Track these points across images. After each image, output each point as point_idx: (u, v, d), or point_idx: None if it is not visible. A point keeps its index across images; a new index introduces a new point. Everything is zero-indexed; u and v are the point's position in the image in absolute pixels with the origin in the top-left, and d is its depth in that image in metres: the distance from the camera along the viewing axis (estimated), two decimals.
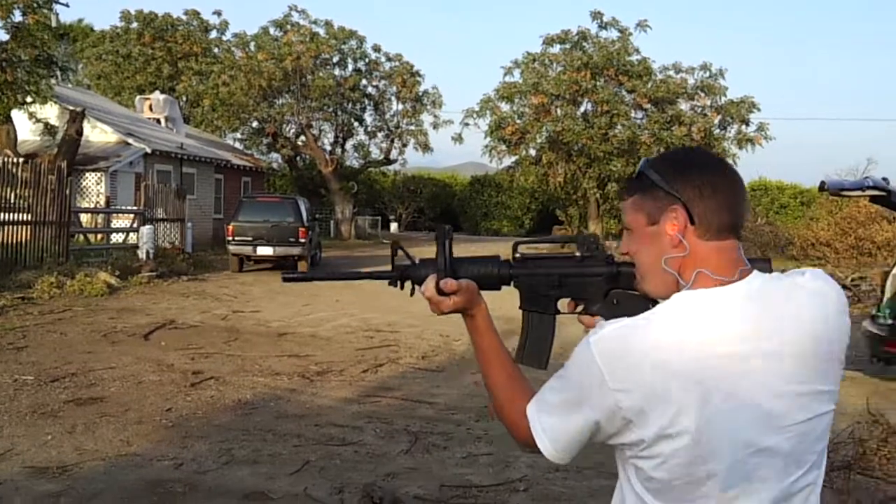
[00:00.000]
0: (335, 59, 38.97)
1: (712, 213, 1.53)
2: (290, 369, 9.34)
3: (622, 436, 1.48)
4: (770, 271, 1.60)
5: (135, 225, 21.22)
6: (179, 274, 19.12)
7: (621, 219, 1.72)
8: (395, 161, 42.55)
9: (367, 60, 39.93)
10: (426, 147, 40.50)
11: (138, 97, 35.04)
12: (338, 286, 18.23)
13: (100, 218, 22.20)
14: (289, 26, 38.03)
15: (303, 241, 21.28)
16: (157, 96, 33.57)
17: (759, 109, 28.52)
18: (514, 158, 30.82)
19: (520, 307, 1.89)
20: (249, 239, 21.05)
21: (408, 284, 1.91)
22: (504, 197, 51.96)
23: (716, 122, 28.55)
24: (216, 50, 42.90)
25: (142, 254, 19.79)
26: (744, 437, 1.44)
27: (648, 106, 28.53)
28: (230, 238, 21.23)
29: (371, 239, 40.59)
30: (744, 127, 28.52)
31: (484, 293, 1.85)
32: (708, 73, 28.86)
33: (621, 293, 1.81)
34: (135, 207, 22.25)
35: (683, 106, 28.89)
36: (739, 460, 1.45)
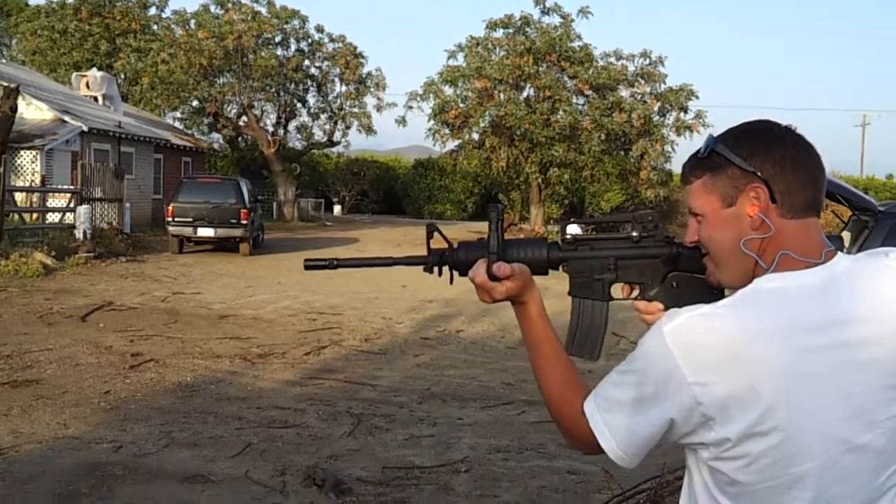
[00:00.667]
0: (277, 39, 38.48)
1: (795, 190, 1.40)
2: (231, 352, 9.29)
3: (699, 434, 1.35)
4: (842, 248, 1.49)
5: (71, 205, 20.78)
6: (118, 255, 18.82)
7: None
8: (338, 143, 42.24)
9: (310, 41, 39.51)
10: (370, 129, 40.28)
11: (75, 74, 34.23)
12: (283, 268, 18.14)
13: (35, 197, 21.68)
14: (230, 4, 37.41)
15: (244, 222, 21.09)
16: (95, 73, 32.85)
17: (697, 97, 28.93)
18: (457, 142, 30.82)
19: (569, 293, 1.73)
20: (190, 220, 20.79)
21: (445, 271, 1.74)
22: (447, 181, 51.94)
23: (655, 109, 28.87)
24: (155, 27, 42.03)
25: (79, 234, 19.41)
26: (837, 433, 1.32)
27: (590, 92, 28.73)
28: (170, 219, 20.94)
29: (314, 221, 40.30)
30: (682, 114, 28.90)
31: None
32: (648, 61, 29.17)
33: (681, 276, 1.66)
34: (71, 187, 21.78)
35: (624, 93, 29.15)
36: (832, 459, 1.32)
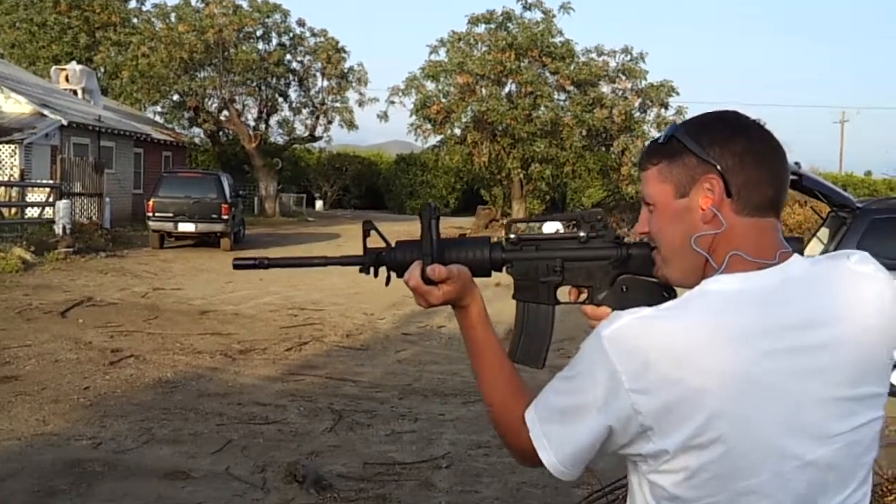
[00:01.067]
0: (259, 33, 38.35)
1: (753, 186, 1.30)
2: (212, 347, 9.27)
3: (637, 445, 1.25)
4: (801, 252, 1.38)
5: (51, 199, 20.65)
6: (97, 250, 18.71)
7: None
8: (320, 138, 42.15)
9: (291, 35, 39.39)
10: (351, 124, 40.20)
11: (54, 67, 33.92)
12: None
13: (14, 191, 21.51)
14: None
15: (225, 217, 21.02)
16: (74, 67, 32.58)
17: (678, 93, 29.06)
18: (439, 138, 30.80)
19: (513, 297, 1.63)
20: (170, 215, 20.72)
21: (382, 272, 1.64)
22: (429, 176, 51.98)
23: (636, 105, 28.95)
24: (135, 20, 41.71)
25: (58, 229, 19.28)
26: (786, 447, 1.22)
27: (571, 88, 28.75)
28: (150, 214, 20.85)
29: (296, 216, 40.22)
30: (663, 110, 28.98)
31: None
32: (629, 57, 29.21)
33: (631, 279, 1.57)
34: (51, 181, 21.62)
35: (605, 88, 29.19)
36: (780, 475, 1.22)
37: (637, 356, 1.21)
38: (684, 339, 1.21)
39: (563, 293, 1.62)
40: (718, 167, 1.31)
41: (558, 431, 1.30)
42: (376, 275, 1.65)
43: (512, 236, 1.62)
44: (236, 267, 1.70)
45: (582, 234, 1.58)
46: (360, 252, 1.65)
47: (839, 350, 1.25)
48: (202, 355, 8.87)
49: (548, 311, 1.63)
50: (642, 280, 1.55)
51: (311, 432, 6.39)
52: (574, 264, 1.59)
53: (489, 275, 1.60)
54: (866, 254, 1.34)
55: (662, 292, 1.39)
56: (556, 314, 1.63)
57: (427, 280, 1.52)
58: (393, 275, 1.64)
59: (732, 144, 1.32)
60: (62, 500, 4.90)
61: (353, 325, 11.17)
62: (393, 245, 1.63)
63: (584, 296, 1.61)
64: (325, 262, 1.69)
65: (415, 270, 1.54)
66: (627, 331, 1.24)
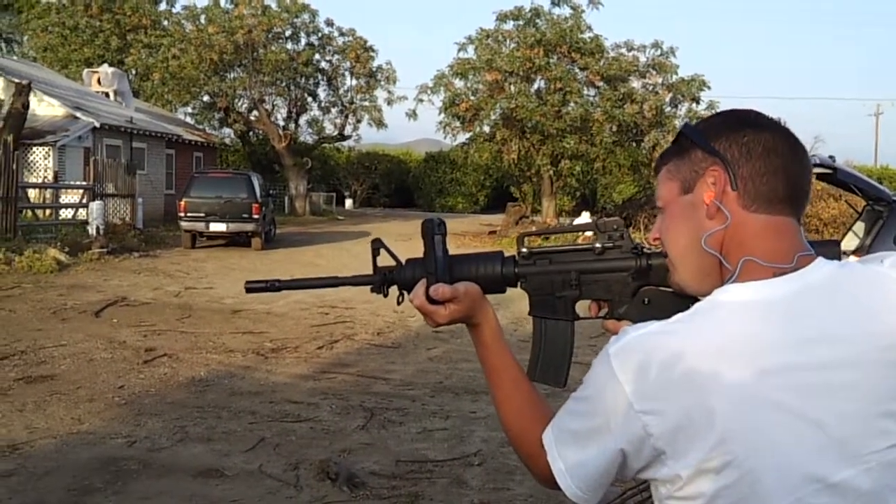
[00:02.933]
0: (288, 33, 38.52)
1: (760, 178, 1.22)
2: (244, 346, 9.31)
3: (653, 469, 1.18)
4: (839, 256, 1.28)
5: (84, 201, 20.88)
6: (130, 250, 18.89)
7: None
8: (349, 137, 42.29)
9: (320, 35, 39.53)
10: (380, 123, 40.29)
11: (86, 70, 34.32)
12: (294, 262, 18.18)
13: (48, 193, 21.77)
14: None
15: (256, 217, 21.14)
16: (106, 69, 32.93)
17: (709, 88, 28.77)
18: (468, 135, 30.75)
19: (530, 313, 1.56)
20: (202, 215, 20.86)
21: (394, 291, 1.59)
22: (458, 174, 51.97)
23: (667, 100, 28.74)
24: (165, 22, 42.06)
25: (92, 230, 19.49)
26: (807, 470, 1.12)
27: (601, 83, 28.59)
28: (182, 214, 21.00)
29: (326, 215, 40.37)
30: (694, 105, 28.74)
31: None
32: (659, 52, 28.99)
33: (654, 291, 1.48)
34: (84, 183, 21.87)
35: (635, 84, 29.00)
36: (802, 501, 1.13)
37: (644, 375, 1.15)
38: (692, 355, 1.14)
39: (582, 308, 1.54)
40: (722, 157, 1.23)
41: (574, 455, 1.24)
42: (386, 294, 1.59)
43: (524, 250, 1.54)
44: (249, 290, 1.64)
45: (597, 245, 1.50)
46: (372, 271, 1.60)
47: (868, 364, 1.14)
48: (234, 354, 8.92)
49: (566, 327, 1.55)
50: (666, 292, 1.46)
51: (344, 430, 6.40)
52: (591, 277, 1.51)
53: (503, 290, 1.54)
54: None
55: (688, 304, 1.27)
56: (574, 330, 1.56)
57: (431, 300, 1.46)
58: (404, 294, 1.58)
59: (739, 136, 1.24)
60: (98, 497, 4.94)
61: (383, 322, 11.18)
62: (403, 263, 1.58)
63: (604, 310, 1.53)
64: (337, 282, 1.64)
65: (419, 290, 1.47)
66: (634, 347, 1.18)
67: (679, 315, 1.20)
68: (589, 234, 8.47)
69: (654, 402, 1.14)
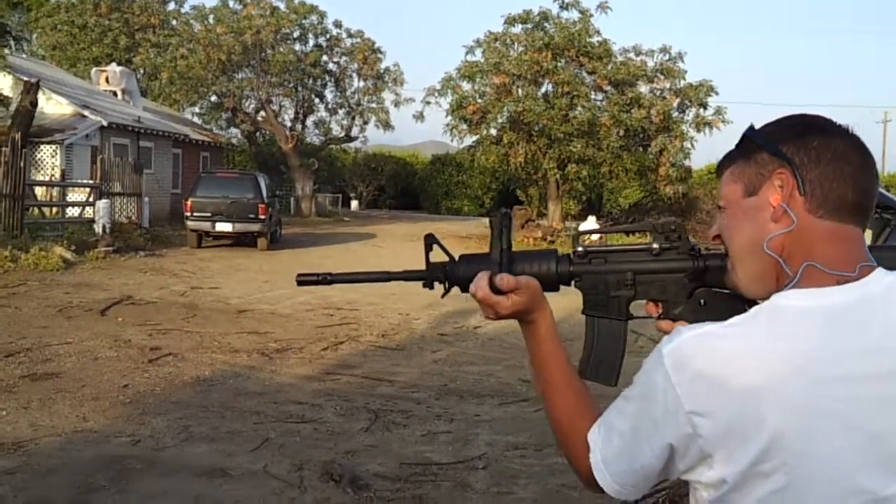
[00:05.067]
0: (296, 35, 38.57)
1: (830, 184, 1.20)
2: (249, 346, 9.31)
3: (697, 472, 1.18)
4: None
5: (91, 199, 20.90)
6: (136, 249, 18.91)
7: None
8: (355, 138, 42.31)
9: (328, 36, 39.58)
10: (387, 125, 40.32)
11: (94, 69, 34.39)
12: (300, 263, 18.17)
13: (55, 191, 21.80)
14: (248, 0, 37.55)
15: (262, 217, 21.16)
16: (114, 68, 33.00)
17: (717, 93, 28.75)
18: (475, 138, 30.74)
19: (583, 312, 1.56)
20: (208, 215, 20.89)
21: (440, 286, 1.59)
22: (465, 176, 51.97)
23: (674, 105, 28.71)
24: (174, 22, 42.18)
25: (98, 228, 19.50)
26: (858, 481, 1.12)
27: (608, 88, 28.57)
28: (188, 214, 21.04)
29: (332, 216, 40.40)
30: (702, 110, 28.72)
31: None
32: (667, 56, 28.97)
33: (709, 292, 1.47)
34: (91, 181, 21.89)
35: (643, 88, 28.98)
36: None
37: (696, 376, 1.14)
38: (747, 359, 1.13)
39: (638, 307, 1.53)
40: (790, 161, 1.22)
41: (615, 453, 1.25)
42: (432, 287, 1.60)
43: (580, 248, 1.54)
44: (300, 283, 1.66)
45: (655, 245, 1.50)
46: (423, 266, 1.60)
47: None
48: (239, 354, 8.92)
49: (620, 327, 1.55)
50: (722, 293, 1.45)
51: (348, 432, 6.39)
52: (646, 277, 1.51)
53: (556, 289, 1.53)
54: None
55: (744, 306, 1.26)
56: (628, 330, 1.55)
57: (495, 290, 1.45)
58: (455, 288, 1.58)
59: (808, 140, 1.23)
60: (102, 496, 4.94)
61: (388, 324, 11.17)
62: (457, 259, 1.57)
63: (659, 310, 1.52)
64: (388, 277, 1.63)
65: (482, 280, 1.46)
66: (687, 348, 1.17)
67: (736, 318, 1.19)
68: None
69: (705, 403, 1.14)
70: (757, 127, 1.31)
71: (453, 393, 7.73)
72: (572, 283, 1.55)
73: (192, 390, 7.41)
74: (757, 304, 1.25)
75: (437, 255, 1.58)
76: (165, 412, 6.67)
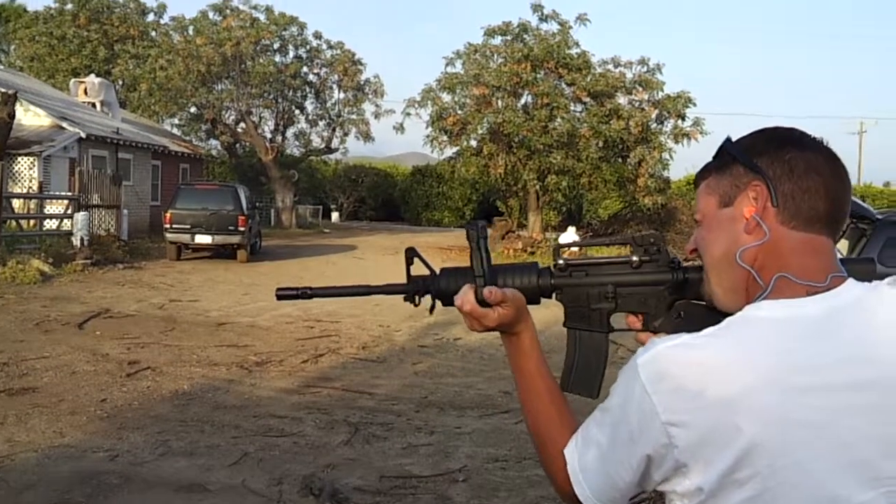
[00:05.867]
0: (276, 46, 38.58)
1: (802, 195, 1.22)
2: (228, 359, 9.27)
3: (674, 482, 1.19)
4: (873, 276, 1.28)
5: (69, 211, 20.77)
6: (115, 262, 18.81)
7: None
8: (336, 150, 42.32)
9: (308, 48, 39.62)
10: (368, 136, 40.36)
11: (73, 80, 34.22)
12: (280, 275, 18.13)
13: (32, 204, 21.62)
14: (228, 11, 37.50)
15: (242, 229, 21.10)
16: (93, 80, 32.85)
17: (694, 104, 28.91)
18: (455, 149, 30.79)
19: (564, 324, 1.57)
20: (188, 227, 20.80)
21: (426, 300, 1.59)
22: (445, 187, 52.06)
23: (653, 116, 28.85)
24: (153, 33, 42.12)
25: (76, 241, 19.38)
26: (830, 490, 1.13)
27: (587, 99, 28.68)
28: (168, 226, 20.95)
29: (312, 228, 40.33)
30: (680, 121, 28.87)
31: None
32: (646, 68, 29.12)
33: (689, 305, 1.49)
34: (69, 193, 21.76)
35: (622, 100, 29.10)
36: None
37: (671, 386, 1.15)
38: (721, 369, 1.14)
39: (617, 320, 1.55)
40: (764, 173, 1.24)
41: (594, 466, 1.25)
42: (416, 303, 1.59)
43: (560, 261, 1.55)
44: (280, 297, 1.66)
45: (634, 258, 1.51)
46: (404, 279, 1.60)
47: (894, 387, 1.15)
48: (218, 367, 8.88)
49: (601, 339, 1.56)
50: (701, 306, 1.46)
51: (328, 445, 6.37)
52: (627, 290, 1.52)
53: (538, 302, 1.54)
54: None
55: (722, 318, 1.26)
56: (608, 342, 1.56)
57: (482, 302, 1.45)
58: (437, 302, 1.59)
59: (782, 152, 1.25)
60: None
61: (369, 337, 11.15)
62: (438, 272, 1.58)
63: (639, 323, 1.53)
64: (369, 290, 1.63)
65: (468, 294, 1.46)
66: (662, 359, 1.17)
67: (710, 329, 1.20)
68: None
69: (680, 413, 1.14)
70: (734, 139, 1.33)
71: (434, 405, 7.72)
72: (554, 295, 1.55)
73: (171, 404, 7.37)
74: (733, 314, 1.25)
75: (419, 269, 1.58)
76: (143, 427, 6.62)
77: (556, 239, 28.15)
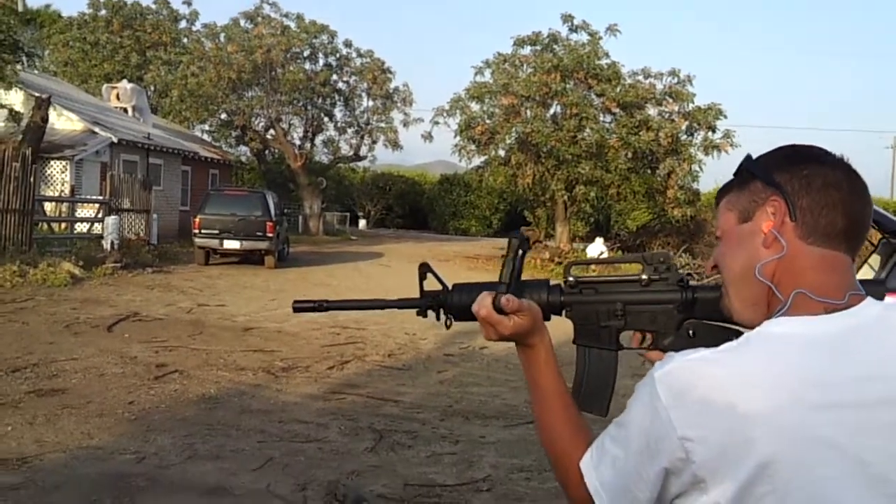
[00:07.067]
0: (306, 54, 38.81)
1: (820, 210, 1.23)
2: (255, 364, 9.31)
3: (691, 497, 1.19)
4: (883, 296, 1.31)
5: (100, 215, 20.99)
6: (144, 266, 18.95)
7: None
8: (364, 158, 42.46)
9: (338, 56, 39.80)
10: (396, 144, 40.44)
11: (105, 86, 34.63)
12: (307, 282, 18.21)
13: (64, 207, 21.93)
14: (259, 19, 37.78)
15: (270, 235, 21.19)
16: (125, 85, 33.21)
17: (725, 116, 28.75)
18: (483, 158, 30.82)
19: (574, 342, 1.59)
20: (216, 232, 20.92)
21: (439, 314, 1.62)
22: (473, 196, 52.07)
23: (683, 127, 28.72)
24: (185, 40, 42.51)
25: (106, 244, 19.58)
26: None
27: (617, 110, 28.60)
28: (196, 231, 21.09)
29: (339, 235, 40.48)
30: (710, 133, 28.71)
31: None
32: (676, 80, 29.02)
33: (699, 324, 1.51)
34: (100, 197, 22.00)
35: (651, 111, 29.01)
36: None
37: (688, 401, 1.15)
38: (739, 384, 1.14)
39: (626, 338, 1.56)
40: (782, 188, 1.25)
41: (613, 480, 1.25)
42: (438, 318, 1.62)
43: (571, 279, 1.56)
44: (296, 310, 1.68)
45: (644, 276, 1.53)
46: (418, 293, 1.63)
47: None
48: (245, 372, 8.91)
49: (611, 357, 1.57)
50: (711, 325, 1.48)
51: (352, 451, 6.38)
52: (636, 308, 1.54)
53: (548, 318, 1.54)
54: None
55: (733, 337, 1.26)
56: (618, 360, 1.58)
57: (499, 310, 1.46)
58: (451, 317, 1.61)
59: (801, 168, 1.26)
60: None
61: (395, 344, 11.16)
62: (450, 288, 1.59)
63: (648, 341, 1.55)
64: (384, 304, 1.67)
65: (486, 300, 1.47)
66: (679, 374, 1.18)
67: (728, 344, 1.20)
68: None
69: (697, 429, 1.15)
70: (755, 156, 1.35)
71: (458, 414, 7.71)
72: (563, 312, 1.57)
73: (198, 408, 7.41)
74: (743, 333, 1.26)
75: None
76: (170, 430, 6.66)
77: (583, 250, 28.06)
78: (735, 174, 1.36)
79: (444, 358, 10.40)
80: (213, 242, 21.02)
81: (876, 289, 1.34)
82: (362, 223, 50.00)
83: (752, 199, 1.29)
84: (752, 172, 1.31)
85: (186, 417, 7.06)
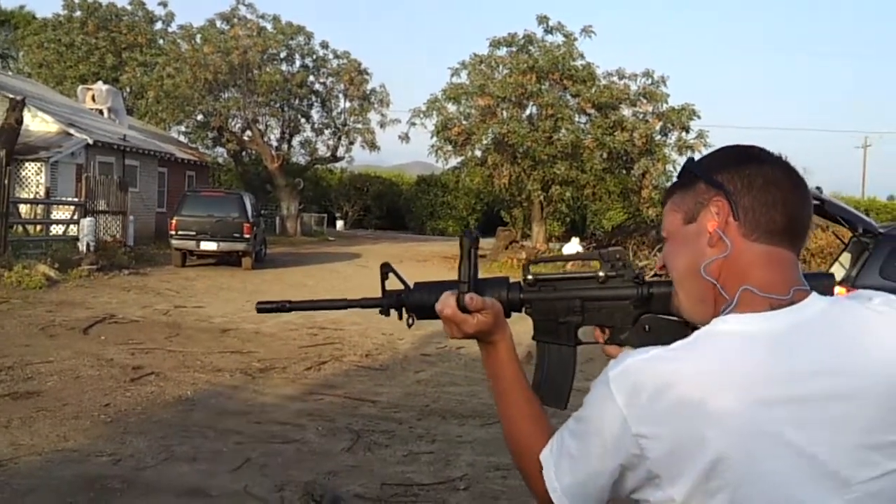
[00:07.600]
0: (282, 55, 38.75)
1: (761, 208, 1.27)
2: (232, 366, 9.31)
3: (647, 491, 1.22)
4: (832, 289, 1.34)
5: (75, 217, 20.85)
6: (120, 268, 18.86)
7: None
8: (341, 159, 42.44)
9: (314, 57, 39.77)
10: (373, 145, 40.45)
11: (81, 87, 34.37)
12: (284, 283, 18.19)
13: (39, 209, 21.75)
14: (236, 20, 37.68)
15: (247, 236, 21.15)
16: (100, 87, 33.00)
17: (699, 117, 28.96)
18: (459, 159, 30.87)
19: (533, 338, 1.61)
20: (193, 233, 20.86)
21: (401, 313, 1.65)
22: (450, 197, 52.17)
23: (657, 128, 28.85)
24: (161, 41, 42.29)
25: (82, 246, 19.45)
26: (797, 498, 1.16)
27: (592, 111, 28.70)
28: (173, 232, 21.01)
29: (317, 236, 40.41)
30: (684, 134, 28.87)
31: None
32: (650, 80, 29.15)
33: (654, 318, 1.54)
34: (75, 199, 21.84)
35: (626, 112, 29.14)
36: None
37: (641, 399, 1.18)
38: (690, 381, 1.17)
39: (585, 333, 1.59)
40: (725, 188, 1.28)
41: (570, 476, 1.28)
42: (400, 317, 1.64)
43: (530, 277, 1.60)
44: (260, 311, 1.71)
45: (601, 273, 1.56)
46: (380, 294, 1.65)
47: (858, 398, 1.17)
48: (222, 373, 8.91)
49: (569, 352, 1.61)
50: (666, 319, 1.52)
51: (330, 452, 6.40)
52: (594, 304, 1.57)
53: (508, 315, 1.58)
54: (891, 296, 1.27)
55: (688, 331, 1.30)
56: (577, 355, 1.61)
57: (462, 309, 1.49)
58: (412, 316, 1.63)
59: (742, 168, 1.30)
60: None
61: (372, 344, 11.18)
62: (412, 286, 1.63)
63: (605, 336, 1.58)
64: (347, 304, 1.70)
65: (450, 299, 1.50)
66: (633, 372, 1.21)
67: (679, 342, 1.23)
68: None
69: (650, 425, 1.18)
70: (696, 159, 1.39)
71: (435, 413, 7.75)
72: (523, 309, 1.60)
73: (174, 410, 7.40)
74: (699, 327, 1.29)
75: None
76: (147, 432, 6.66)
77: (559, 250, 28.17)
78: (679, 176, 1.40)
79: (421, 358, 10.44)
80: (190, 244, 20.95)
81: (822, 281, 1.36)
82: (340, 224, 49.95)
83: (697, 200, 1.32)
84: (696, 174, 1.35)
85: (163, 419, 7.06)
